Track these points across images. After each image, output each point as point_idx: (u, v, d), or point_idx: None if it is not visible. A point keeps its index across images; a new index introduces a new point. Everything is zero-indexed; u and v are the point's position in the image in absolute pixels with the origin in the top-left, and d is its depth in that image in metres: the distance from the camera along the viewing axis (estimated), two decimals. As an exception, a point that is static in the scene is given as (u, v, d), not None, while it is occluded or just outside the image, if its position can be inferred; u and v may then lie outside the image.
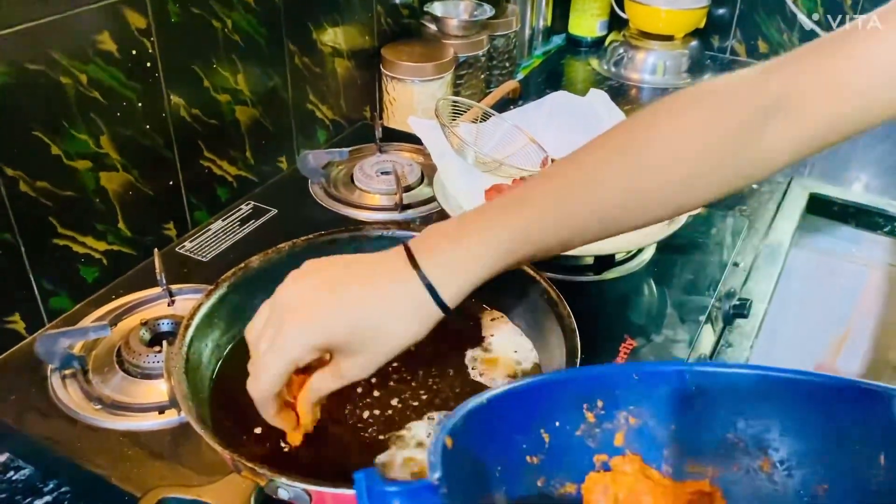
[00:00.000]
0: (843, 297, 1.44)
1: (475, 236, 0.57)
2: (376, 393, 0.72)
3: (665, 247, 1.03)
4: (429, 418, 0.69)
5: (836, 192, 1.36)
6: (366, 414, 0.70)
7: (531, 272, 0.75)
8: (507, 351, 0.76)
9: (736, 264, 1.08)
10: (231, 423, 0.67)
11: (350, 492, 0.55)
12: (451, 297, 0.56)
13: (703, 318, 0.94)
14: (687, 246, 1.06)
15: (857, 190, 1.41)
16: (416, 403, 0.71)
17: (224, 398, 0.69)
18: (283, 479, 0.55)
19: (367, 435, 0.68)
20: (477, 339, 0.78)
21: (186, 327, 0.69)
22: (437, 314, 0.56)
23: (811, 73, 0.56)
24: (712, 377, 0.59)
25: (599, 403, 0.58)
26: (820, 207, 1.35)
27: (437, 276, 0.55)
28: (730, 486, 0.59)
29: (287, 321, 0.56)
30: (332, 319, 0.56)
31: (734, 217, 1.15)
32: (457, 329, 0.78)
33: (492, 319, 0.79)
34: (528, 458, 0.56)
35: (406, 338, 0.57)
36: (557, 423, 0.57)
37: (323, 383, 0.60)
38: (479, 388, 0.73)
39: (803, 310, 1.38)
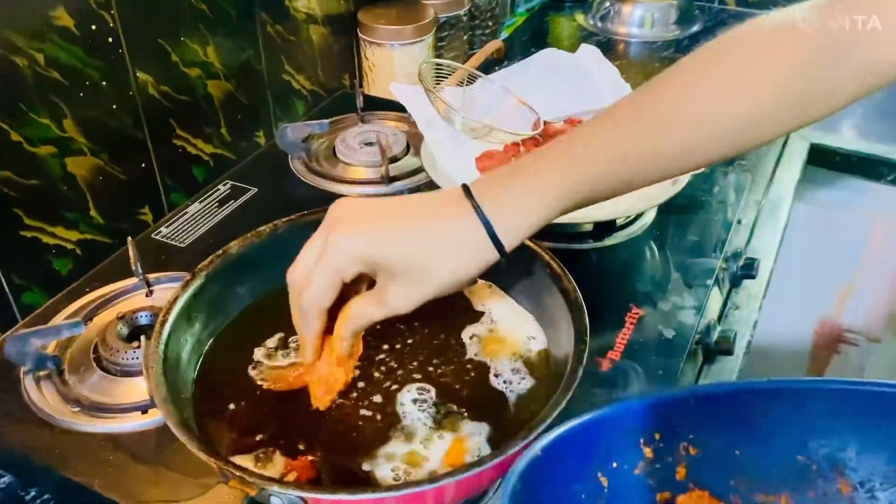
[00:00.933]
0: (848, 249, 1.40)
1: (536, 178, 0.56)
2: (366, 382, 0.67)
3: (666, 208, 0.98)
4: (425, 403, 0.64)
5: (837, 142, 1.31)
6: (360, 400, 0.65)
7: (531, 244, 0.70)
8: (511, 329, 0.71)
9: (739, 222, 1.04)
10: (217, 425, 0.63)
11: (351, 497, 0.50)
12: (510, 238, 0.55)
13: (710, 281, 0.89)
14: (689, 206, 1.02)
15: (853, 137, 1.36)
16: (414, 390, 0.66)
17: (208, 398, 0.64)
18: (276, 488, 0.51)
19: (363, 426, 0.63)
20: (476, 316, 0.73)
21: (162, 323, 0.64)
22: (493, 256, 0.55)
23: (880, 8, 0.54)
24: (775, 395, 0.54)
25: (657, 436, 0.55)
26: (821, 158, 1.31)
27: (496, 216, 0.54)
28: (807, 513, 0.55)
29: (336, 230, 0.55)
30: (384, 236, 0.54)
31: (735, 173, 1.10)
32: (450, 303, 0.73)
33: (490, 294, 0.75)
34: None
35: (457, 276, 0.55)
36: (615, 465, 0.54)
37: (364, 311, 0.58)
38: (482, 369, 0.68)
39: (807, 265, 1.34)
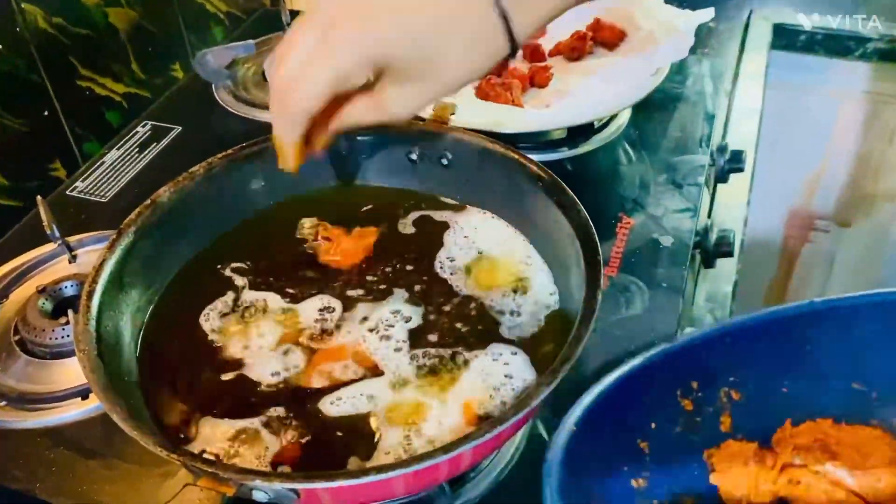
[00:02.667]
0: (816, 134, 1.34)
1: None
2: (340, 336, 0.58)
3: (640, 107, 0.89)
4: (414, 357, 0.55)
5: (800, 20, 1.23)
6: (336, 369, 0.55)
7: (515, 155, 0.61)
8: (501, 252, 0.61)
9: (713, 116, 0.95)
10: (173, 409, 0.52)
11: (350, 482, 0.41)
12: (523, 28, 0.48)
13: (701, 178, 0.81)
14: (664, 102, 0.93)
15: (817, 16, 1.28)
16: (405, 335, 0.57)
17: (158, 377, 0.54)
18: (259, 481, 0.41)
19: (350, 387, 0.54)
20: (460, 242, 0.63)
21: (90, 295, 0.53)
22: (504, 48, 0.49)
23: None
24: (819, 317, 0.48)
25: (694, 385, 0.50)
26: (786, 38, 1.23)
27: (512, 5, 0.47)
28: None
29: (338, 26, 0.47)
30: (392, 29, 0.47)
31: (710, 60, 1.01)
32: (428, 231, 0.64)
33: (473, 215, 0.65)
34: (633, 483, 0.48)
35: (466, 70, 0.49)
36: (654, 426, 0.49)
37: (359, 113, 0.52)
38: (478, 304, 0.59)
39: (776, 154, 1.27)
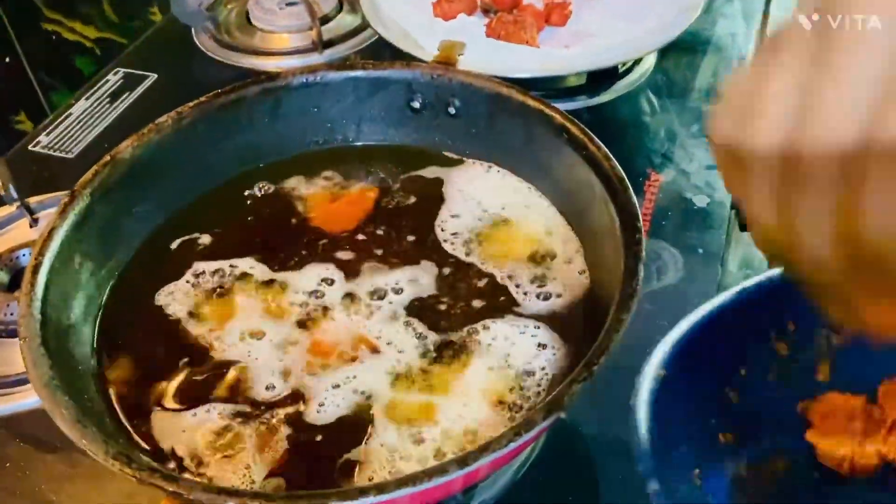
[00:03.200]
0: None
1: None
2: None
3: (667, 50, 0.80)
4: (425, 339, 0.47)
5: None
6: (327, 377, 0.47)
7: (534, 102, 0.52)
8: (518, 216, 0.53)
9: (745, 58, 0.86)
10: (138, 408, 0.44)
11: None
12: None
13: (738, 131, 0.72)
14: (694, 45, 0.84)
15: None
16: (412, 321, 0.49)
17: (120, 369, 0.46)
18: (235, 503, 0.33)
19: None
20: (470, 205, 0.55)
21: (35, 270, 0.45)
22: None
23: None
24: None
25: (791, 326, 0.45)
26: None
27: None
28: None
29: None
30: None
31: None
32: (431, 193, 0.55)
33: (484, 173, 0.56)
34: (721, 437, 0.44)
35: None
36: (743, 372, 0.45)
37: None
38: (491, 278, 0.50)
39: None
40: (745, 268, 0.72)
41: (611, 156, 0.47)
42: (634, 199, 0.45)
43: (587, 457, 0.53)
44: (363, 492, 0.34)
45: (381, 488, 0.34)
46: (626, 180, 0.46)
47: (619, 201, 0.45)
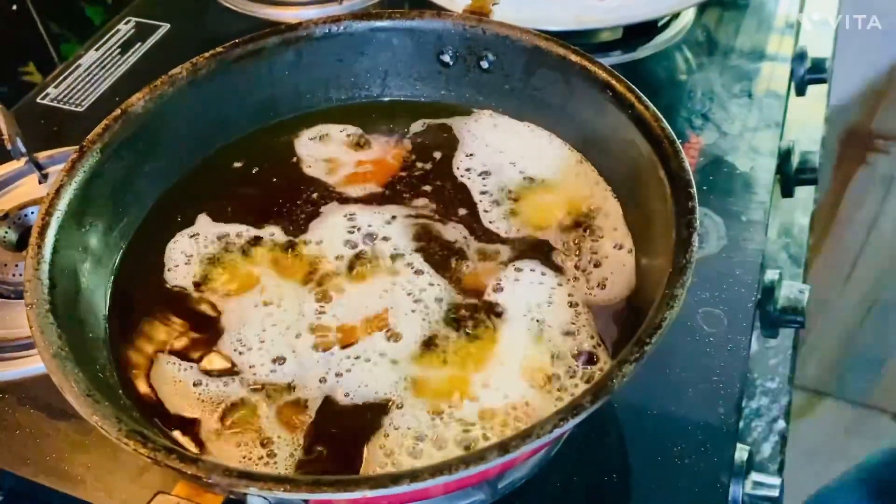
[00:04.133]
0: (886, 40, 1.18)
1: None
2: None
3: (706, 5, 0.76)
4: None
5: None
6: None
7: (576, 56, 0.48)
8: (557, 179, 0.49)
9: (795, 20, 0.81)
10: (154, 382, 0.42)
11: (377, 493, 0.31)
12: None
13: (783, 90, 0.69)
14: (735, 0, 0.79)
15: None
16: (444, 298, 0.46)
17: (134, 338, 0.43)
18: (255, 489, 0.31)
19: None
20: (505, 167, 0.51)
21: (42, 231, 0.42)
22: None
23: None
24: None
25: None
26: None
27: None
28: None
29: None
30: None
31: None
32: (462, 152, 0.52)
33: (519, 131, 0.52)
34: None
35: None
36: None
37: None
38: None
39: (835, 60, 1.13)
40: (785, 235, 0.69)
41: (660, 116, 0.44)
42: (687, 163, 0.41)
43: (619, 434, 0.50)
44: (395, 479, 0.31)
45: (414, 476, 0.31)
46: (678, 143, 0.42)
47: (671, 166, 0.41)
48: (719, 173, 0.63)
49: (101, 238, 0.45)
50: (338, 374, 0.42)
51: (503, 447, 0.32)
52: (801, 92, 0.77)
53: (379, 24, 0.53)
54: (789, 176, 0.66)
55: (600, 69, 0.47)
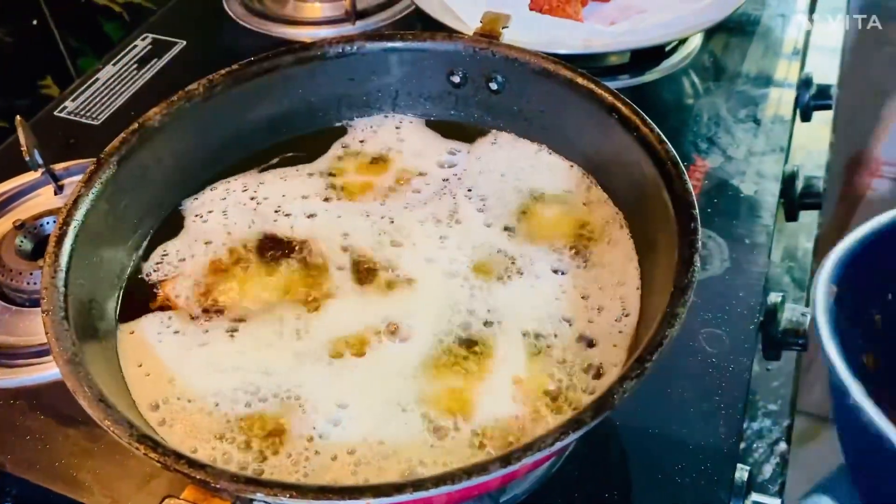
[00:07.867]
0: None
1: None
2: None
3: (714, 31, 0.77)
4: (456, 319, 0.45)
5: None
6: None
7: (582, 79, 0.49)
8: (561, 196, 0.50)
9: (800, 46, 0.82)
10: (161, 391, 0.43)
11: (391, 500, 0.32)
12: None
13: (788, 115, 0.69)
14: (742, 25, 0.80)
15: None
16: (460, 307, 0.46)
17: (146, 349, 0.44)
18: (282, 496, 0.32)
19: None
20: (510, 182, 0.52)
21: (59, 241, 0.43)
22: None
23: None
24: None
25: None
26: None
27: None
28: None
29: None
30: None
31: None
32: (469, 169, 0.53)
33: (525, 150, 0.53)
34: (864, 358, 0.46)
35: None
36: (890, 296, 0.47)
37: None
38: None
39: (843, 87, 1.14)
40: (788, 259, 0.70)
41: (664, 138, 0.45)
42: (690, 184, 0.42)
43: (621, 451, 0.51)
44: (399, 488, 0.32)
45: (417, 485, 0.32)
46: (681, 165, 0.43)
47: (674, 187, 0.42)
48: (724, 196, 0.63)
49: (116, 248, 0.46)
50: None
51: (505, 459, 0.33)
52: (806, 118, 0.78)
53: (391, 44, 0.55)
54: (793, 200, 0.67)
55: (606, 92, 0.48)
